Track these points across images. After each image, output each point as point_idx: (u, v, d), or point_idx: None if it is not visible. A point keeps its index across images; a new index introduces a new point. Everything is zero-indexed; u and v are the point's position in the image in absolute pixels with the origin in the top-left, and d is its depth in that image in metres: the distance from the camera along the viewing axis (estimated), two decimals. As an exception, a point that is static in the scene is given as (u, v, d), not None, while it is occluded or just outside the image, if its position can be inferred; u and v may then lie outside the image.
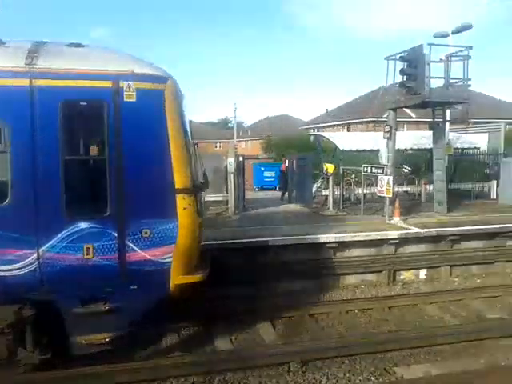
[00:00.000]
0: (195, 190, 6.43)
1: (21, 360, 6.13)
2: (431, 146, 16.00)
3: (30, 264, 5.70)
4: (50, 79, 5.72)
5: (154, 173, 6.14)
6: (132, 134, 5.98)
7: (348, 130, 40.37)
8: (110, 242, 5.93)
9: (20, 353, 6.12)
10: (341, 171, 17.70)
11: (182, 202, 6.14)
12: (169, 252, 6.17)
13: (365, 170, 15.24)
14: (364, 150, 19.38)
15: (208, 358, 7.22)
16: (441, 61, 14.33)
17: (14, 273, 5.67)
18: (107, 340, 6.27)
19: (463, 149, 22.52)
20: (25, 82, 5.63)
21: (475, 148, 22.72)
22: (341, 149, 19.28)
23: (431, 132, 16.09)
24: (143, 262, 6.08)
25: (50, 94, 5.71)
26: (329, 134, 24.76)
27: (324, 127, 45.92)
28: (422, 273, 11.63)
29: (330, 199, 16.26)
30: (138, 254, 6.04)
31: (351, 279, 11.46)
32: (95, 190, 6.16)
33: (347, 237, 11.68)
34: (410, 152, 21.34)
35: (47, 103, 5.69)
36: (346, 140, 20.31)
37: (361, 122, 38.45)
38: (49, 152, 5.70)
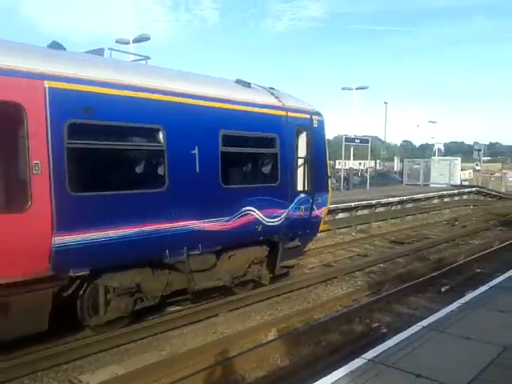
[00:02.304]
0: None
1: (261, 279, 10.43)
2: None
3: (282, 218, 10.03)
4: (291, 112, 10.31)
5: (323, 167, 11.24)
6: (315, 146, 10.86)
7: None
8: (309, 205, 10.71)
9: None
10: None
11: (330, 183, 11.86)
12: (324, 211, 11.41)
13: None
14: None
15: None
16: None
17: (276, 223, 9.93)
18: (295, 264, 11.57)
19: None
20: (283, 113, 10.11)
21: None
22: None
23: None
24: (314, 217, 10.99)
25: (292, 121, 10.29)
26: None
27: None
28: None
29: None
30: (315, 211, 10.95)
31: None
32: (304, 176, 10.75)
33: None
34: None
35: (291, 126, 10.24)
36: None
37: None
38: (292, 154, 10.29)
